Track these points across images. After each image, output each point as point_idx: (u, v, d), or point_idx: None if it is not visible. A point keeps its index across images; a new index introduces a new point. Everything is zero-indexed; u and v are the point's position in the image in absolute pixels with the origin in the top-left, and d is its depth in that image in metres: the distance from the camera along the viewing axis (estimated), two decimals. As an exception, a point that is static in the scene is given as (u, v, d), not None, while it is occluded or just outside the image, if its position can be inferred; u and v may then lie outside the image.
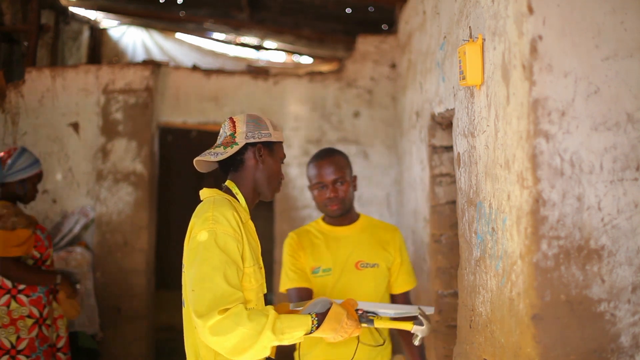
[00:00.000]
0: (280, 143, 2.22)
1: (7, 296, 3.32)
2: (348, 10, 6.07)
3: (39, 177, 3.55)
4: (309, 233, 2.75)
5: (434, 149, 3.52)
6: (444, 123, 3.39)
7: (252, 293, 2.02)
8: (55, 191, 5.00)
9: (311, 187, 2.71)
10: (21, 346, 3.30)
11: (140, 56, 6.96)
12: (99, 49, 7.04)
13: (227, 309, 1.82)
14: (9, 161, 3.43)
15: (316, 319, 1.99)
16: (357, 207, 5.27)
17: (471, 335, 2.43)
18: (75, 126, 5.06)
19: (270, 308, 1.94)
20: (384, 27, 6.27)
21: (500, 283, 2.09)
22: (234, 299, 1.84)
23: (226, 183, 2.17)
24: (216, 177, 2.34)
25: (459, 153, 2.64)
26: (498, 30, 2.09)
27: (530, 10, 1.82)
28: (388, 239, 2.75)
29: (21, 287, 3.35)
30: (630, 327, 1.84)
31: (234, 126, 2.15)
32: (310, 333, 1.97)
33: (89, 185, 5.03)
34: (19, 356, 3.29)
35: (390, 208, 5.25)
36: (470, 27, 2.45)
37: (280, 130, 2.23)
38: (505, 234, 2.03)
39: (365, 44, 5.36)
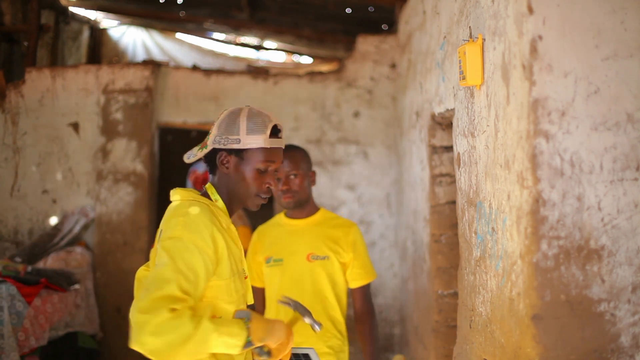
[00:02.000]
0: (259, 149, 1.94)
1: None
2: (348, 10, 6.07)
3: None
4: (270, 225, 2.92)
5: (434, 149, 3.52)
6: (444, 123, 3.39)
7: (232, 306, 1.89)
8: (55, 191, 5.00)
9: None
10: None
11: (140, 56, 6.96)
12: (99, 49, 7.04)
13: (174, 310, 1.69)
14: None
15: (246, 317, 1.82)
16: (357, 206, 5.28)
17: (471, 335, 2.43)
18: (75, 126, 5.06)
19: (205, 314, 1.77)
20: (384, 27, 6.27)
21: (500, 283, 2.09)
22: (182, 305, 1.71)
23: (206, 186, 2.03)
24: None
25: (459, 153, 2.64)
26: (498, 30, 2.09)
27: (530, 10, 1.82)
28: (341, 234, 2.80)
29: None
30: (630, 327, 1.84)
31: (214, 125, 2.03)
32: (248, 331, 1.78)
33: (89, 185, 5.03)
34: None
35: (390, 208, 5.25)
36: (470, 27, 2.45)
37: (265, 133, 1.94)
38: (505, 234, 2.03)
39: (365, 44, 5.36)
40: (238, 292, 1.92)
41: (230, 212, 2.04)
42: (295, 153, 2.78)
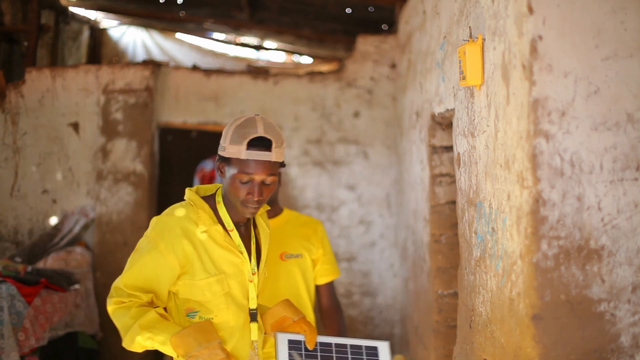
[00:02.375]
0: (239, 160, 1.96)
1: None
2: (348, 10, 6.07)
3: None
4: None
5: (434, 149, 3.52)
6: (444, 123, 3.39)
7: (210, 304, 2.01)
8: (55, 191, 5.00)
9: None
10: None
11: (140, 56, 6.96)
12: (99, 49, 7.04)
13: (122, 302, 1.98)
14: None
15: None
16: (357, 206, 5.28)
17: (471, 335, 2.43)
18: (75, 126, 5.06)
19: (150, 308, 1.97)
20: (384, 27, 6.27)
21: (500, 283, 2.09)
22: (129, 300, 1.98)
23: (218, 188, 2.14)
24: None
25: (459, 153, 2.64)
26: (498, 30, 2.09)
27: (530, 10, 1.82)
28: (310, 232, 2.81)
29: None
30: (630, 327, 1.84)
31: None
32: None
33: (89, 185, 5.02)
34: None
35: (390, 208, 5.25)
36: (470, 27, 2.45)
37: (243, 144, 1.94)
38: (505, 234, 2.03)
39: (365, 44, 5.36)
40: (213, 291, 2.01)
41: (232, 215, 2.08)
42: None
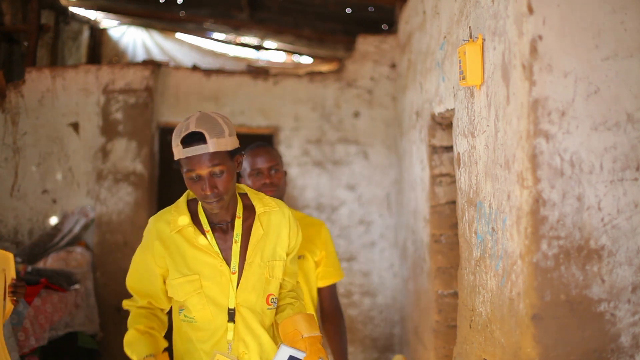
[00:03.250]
0: (182, 160, 1.96)
1: None
2: (348, 10, 6.06)
3: None
4: None
5: (434, 149, 3.52)
6: (444, 123, 3.39)
7: (188, 304, 2.08)
8: (55, 191, 5.00)
9: (247, 177, 2.74)
10: None
11: (140, 56, 6.96)
12: (99, 49, 7.04)
13: (128, 305, 2.19)
14: None
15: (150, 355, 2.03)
16: (357, 206, 5.28)
17: (471, 335, 2.43)
18: (75, 126, 5.06)
19: (143, 321, 2.12)
20: (384, 27, 6.27)
21: (500, 283, 2.09)
22: (131, 302, 2.18)
23: None
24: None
25: (459, 153, 2.64)
26: (498, 30, 2.09)
27: (530, 10, 1.82)
28: (314, 233, 2.78)
29: None
30: (630, 327, 1.84)
31: None
32: None
33: (89, 185, 5.02)
34: None
35: (390, 208, 5.25)
36: (470, 27, 2.45)
37: (178, 145, 1.94)
38: (505, 234, 2.03)
39: (365, 44, 5.36)
40: (185, 291, 2.07)
41: (212, 216, 2.09)
42: (272, 149, 2.76)
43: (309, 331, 2.04)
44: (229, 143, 1.98)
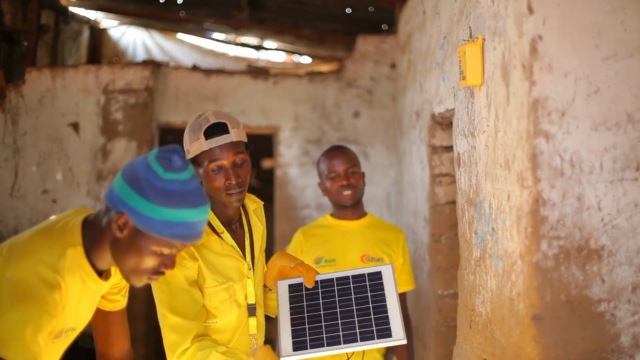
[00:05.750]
0: (204, 153, 1.95)
1: None
2: (348, 10, 6.06)
3: None
4: (314, 227, 2.85)
5: (434, 149, 3.52)
6: (444, 123, 3.39)
7: (216, 311, 2.00)
8: (55, 191, 5.00)
9: (325, 180, 2.75)
10: None
11: (140, 56, 6.96)
12: (99, 49, 7.04)
13: (184, 351, 1.90)
14: None
15: None
16: (357, 207, 5.28)
17: (471, 335, 2.43)
18: (75, 126, 5.06)
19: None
20: (384, 27, 6.27)
21: (500, 283, 2.09)
22: (185, 331, 1.91)
23: None
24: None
25: (459, 153, 2.64)
26: (498, 30, 2.09)
27: (530, 10, 1.82)
28: (392, 238, 2.80)
29: None
30: (630, 327, 1.84)
31: None
32: None
33: (89, 185, 5.03)
34: None
35: (390, 208, 5.25)
36: (470, 27, 2.45)
37: (201, 138, 1.93)
38: (505, 234, 2.03)
39: (365, 44, 5.36)
40: (220, 298, 2.01)
41: (220, 217, 2.06)
42: (349, 151, 2.77)
43: (293, 261, 2.09)
44: (244, 135, 2.02)
